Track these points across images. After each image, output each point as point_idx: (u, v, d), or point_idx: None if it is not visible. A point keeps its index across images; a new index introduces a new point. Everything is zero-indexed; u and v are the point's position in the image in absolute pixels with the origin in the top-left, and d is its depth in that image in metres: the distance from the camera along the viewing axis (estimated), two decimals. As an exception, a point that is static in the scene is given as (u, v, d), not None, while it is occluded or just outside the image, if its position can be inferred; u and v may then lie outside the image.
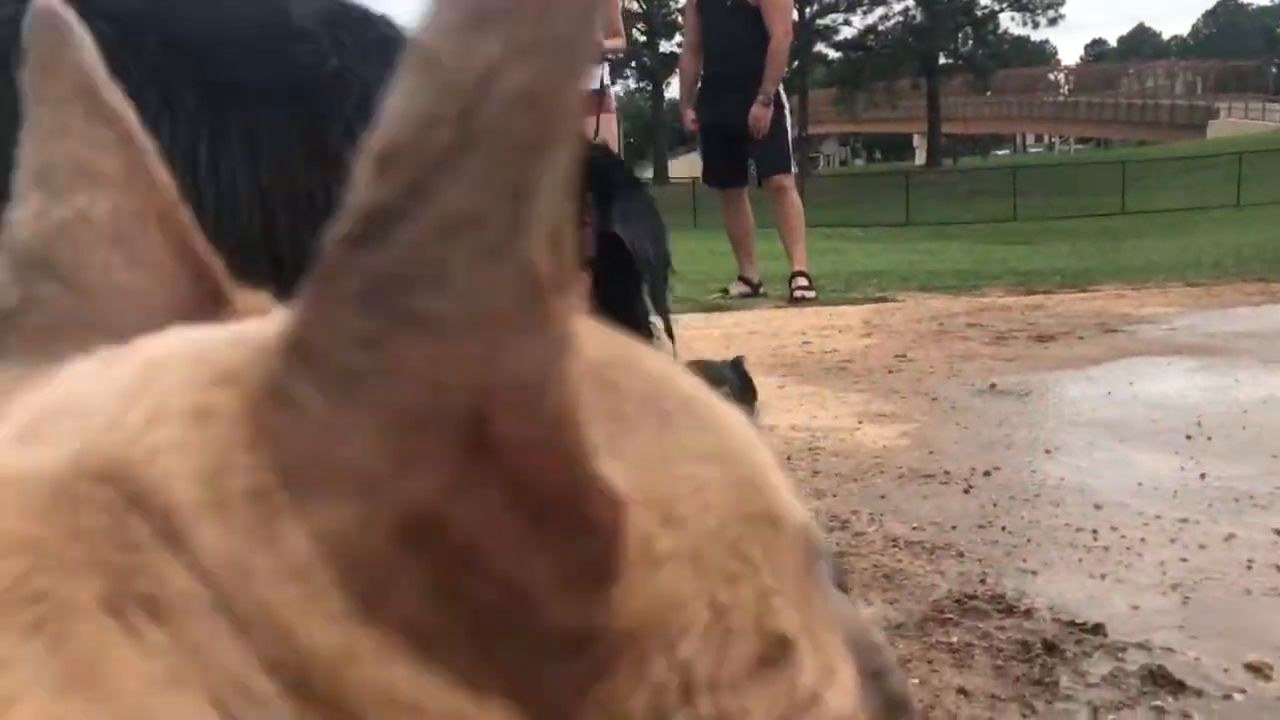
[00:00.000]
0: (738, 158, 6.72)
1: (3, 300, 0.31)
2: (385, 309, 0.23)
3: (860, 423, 3.26)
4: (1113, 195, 36.81)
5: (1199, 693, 1.57)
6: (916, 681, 1.61)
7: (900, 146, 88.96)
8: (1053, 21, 61.48)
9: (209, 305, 0.32)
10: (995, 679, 1.63)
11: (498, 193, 0.23)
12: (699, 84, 6.98)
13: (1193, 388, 3.49)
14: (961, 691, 1.58)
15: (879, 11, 54.83)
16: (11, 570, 0.22)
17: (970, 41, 57.13)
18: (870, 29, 55.64)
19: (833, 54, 56.90)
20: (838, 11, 54.82)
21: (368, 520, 0.24)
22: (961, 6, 55.00)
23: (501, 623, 0.25)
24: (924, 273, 9.00)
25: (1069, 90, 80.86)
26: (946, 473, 2.70)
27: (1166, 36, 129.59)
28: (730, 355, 3.22)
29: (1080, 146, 78.50)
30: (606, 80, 6.79)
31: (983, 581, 2.00)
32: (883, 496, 2.54)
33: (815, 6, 53.15)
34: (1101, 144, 73.75)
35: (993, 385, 3.74)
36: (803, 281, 6.75)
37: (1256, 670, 1.64)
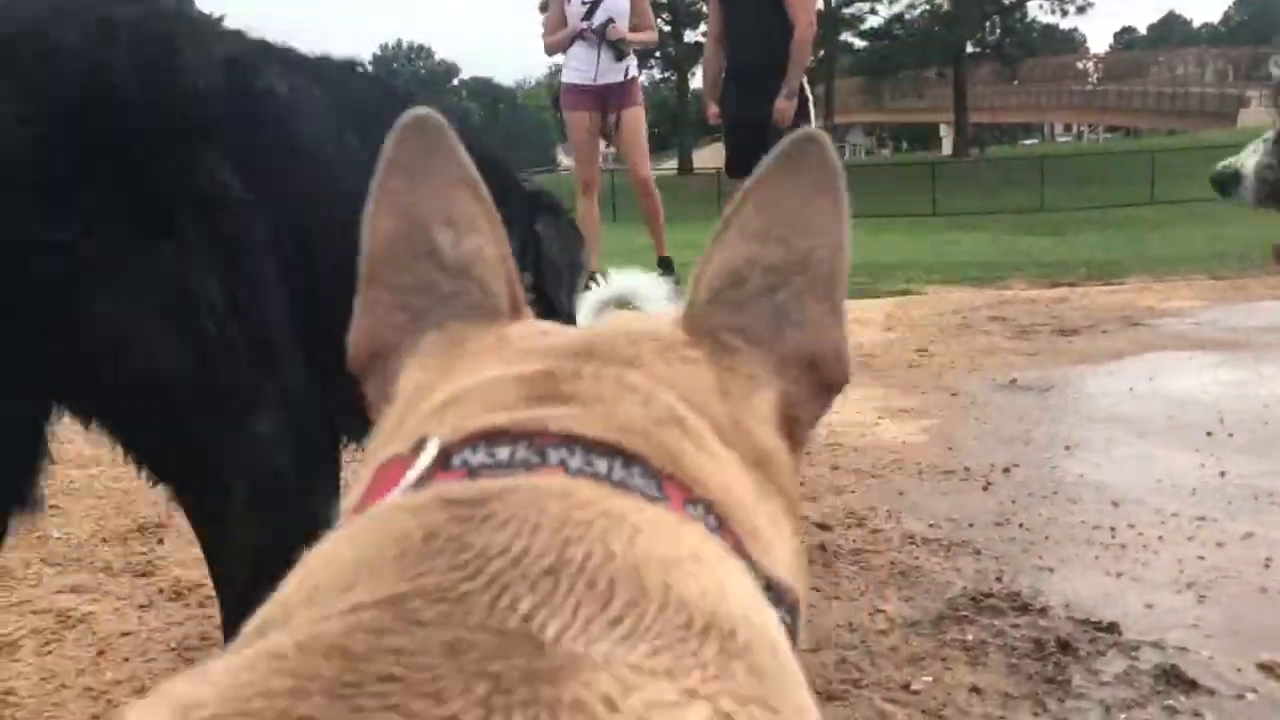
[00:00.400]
0: (761, 150, 6.67)
1: (448, 287, 0.52)
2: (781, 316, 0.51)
3: (880, 418, 3.27)
4: (1141, 185, 36.52)
5: (1211, 692, 1.58)
6: (930, 679, 1.63)
7: (926, 136, 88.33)
8: (1081, 9, 60.91)
9: (518, 311, 0.53)
10: (1008, 677, 1.64)
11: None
12: (723, 75, 6.96)
13: (1215, 383, 3.48)
14: (974, 689, 1.60)
15: (906, 0, 54.52)
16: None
17: (998, 30, 56.65)
18: (897, 17, 55.29)
19: (859, 43, 56.57)
20: (864, 0, 54.53)
21: (775, 397, 0.49)
22: (989, -5, 54.58)
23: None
24: (948, 264, 8.96)
25: (1098, 79, 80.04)
26: (966, 469, 2.71)
27: (1197, 24, 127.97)
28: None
29: (1109, 135, 77.72)
30: (635, 73, 6.80)
31: (999, 579, 2.01)
32: (901, 493, 2.55)
33: (841, -5, 52.89)
34: (1131, 133, 73.00)
35: (1014, 380, 3.74)
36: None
37: (1269, 670, 1.64)
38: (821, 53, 60.54)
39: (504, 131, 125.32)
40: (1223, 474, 2.53)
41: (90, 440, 1.30)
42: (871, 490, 2.57)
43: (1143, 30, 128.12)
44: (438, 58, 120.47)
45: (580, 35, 6.53)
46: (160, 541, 2.30)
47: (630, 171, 6.61)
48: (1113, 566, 2.10)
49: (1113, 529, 2.27)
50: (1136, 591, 2.00)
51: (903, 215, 31.16)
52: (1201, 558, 2.10)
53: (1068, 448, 2.89)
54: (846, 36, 55.30)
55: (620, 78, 6.71)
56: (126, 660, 1.79)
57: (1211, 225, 16.83)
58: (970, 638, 1.77)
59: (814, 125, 6.78)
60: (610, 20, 6.54)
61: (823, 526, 2.29)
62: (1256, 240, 9.79)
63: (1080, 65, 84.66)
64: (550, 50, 7.01)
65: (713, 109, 7.03)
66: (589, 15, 6.57)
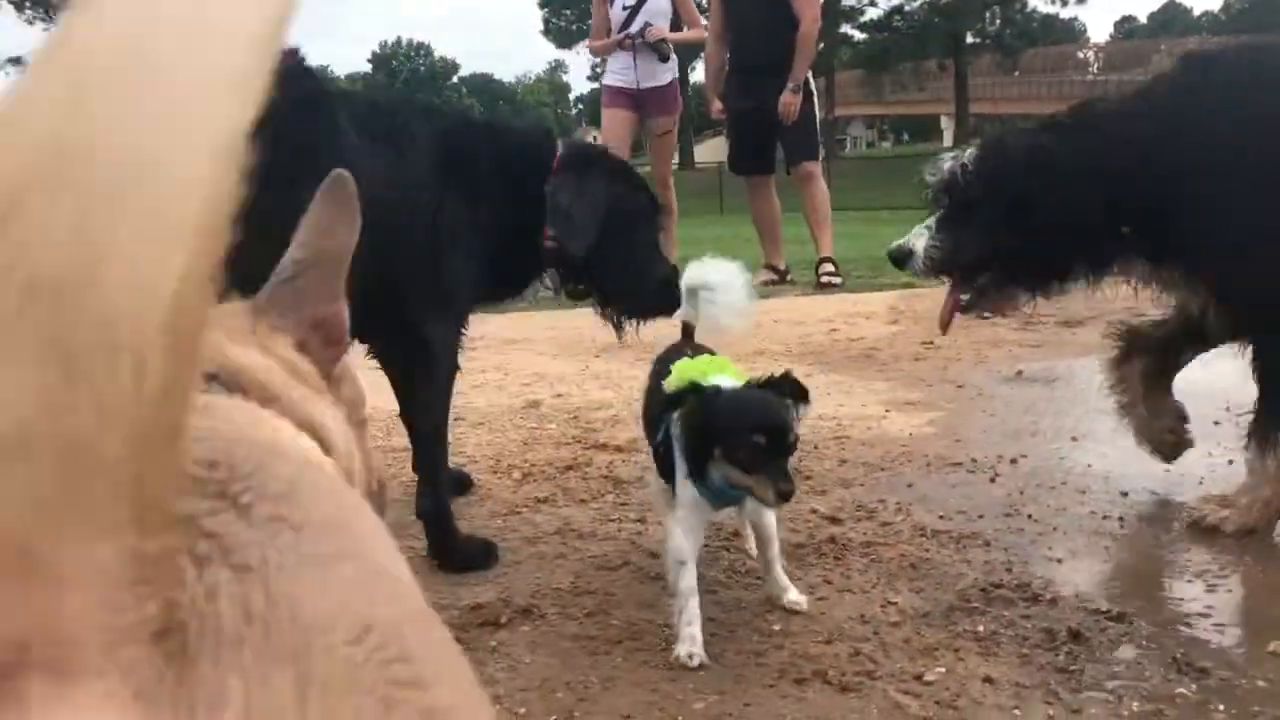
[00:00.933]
0: (766, 145, 6.69)
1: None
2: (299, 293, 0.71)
3: (887, 411, 3.28)
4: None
5: (1224, 680, 1.59)
6: (943, 670, 1.64)
7: (928, 129, 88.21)
8: (1072, 18, 60.85)
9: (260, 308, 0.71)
10: (1020, 667, 1.65)
11: None
12: (725, 71, 6.96)
13: (1222, 372, 3.48)
14: (987, 680, 1.61)
15: (905, -8, 54.44)
16: None
17: (998, 21, 56.54)
18: (896, 9, 55.20)
19: (859, 35, 56.48)
20: (864, -8, 54.45)
21: (291, 339, 0.69)
22: (989, -14, 54.49)
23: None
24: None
25: (1099, 68, 79.78)
26: (974, 460, 2.72)
27: (1197, 12, 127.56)
28: (760, 347, 3.23)
29: (1111, 126, 77.67)
30: (675, 76, 6.80)
31: (1009, 570, 2.02)
32: (910, 485, 2.56)
33: (840, -12, 52.77)
34: (1132, 123, 72.83)
35: (1019, 372, 3.75)
36: (829, 268, 6.75)
37: (1280, 658, 1.65)
38: (821, 45, 60.49)
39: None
40: (1231, 463, 2.54)
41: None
42: (880, 483, 2.58)
43: (1143, 19, 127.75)
44: (437, 55, 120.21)
45: (620, 44, 6.59)
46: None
47: (654, 178, 6.49)
48: (1122, 557, 2.11)
49: (1121, 519, 2.28)
50: (1147, 581, 2.01)
51: (904, 208, 31.19)
52: (1211, 546, 2.11)
53: (1074, 439, 2.90)
54: (846, 29, 55.17)
55: (661, 81, 6.74)
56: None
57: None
58: (981, 629, 1.77)
59: (818, 118, 6.80)
60: (647, 24, 6.56)
61: (833, 520, 2.30)
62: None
63: (1081, 55, 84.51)
64: (596, 54, 7.08)
65: (716, 104, 7.04)
66: (629, 20, 6.60)
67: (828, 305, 5.80)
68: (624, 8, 6.63)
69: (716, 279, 2.10)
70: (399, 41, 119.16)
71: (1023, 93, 74.45)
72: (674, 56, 6.80)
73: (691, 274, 2.11)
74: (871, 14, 55.40)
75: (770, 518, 1.84)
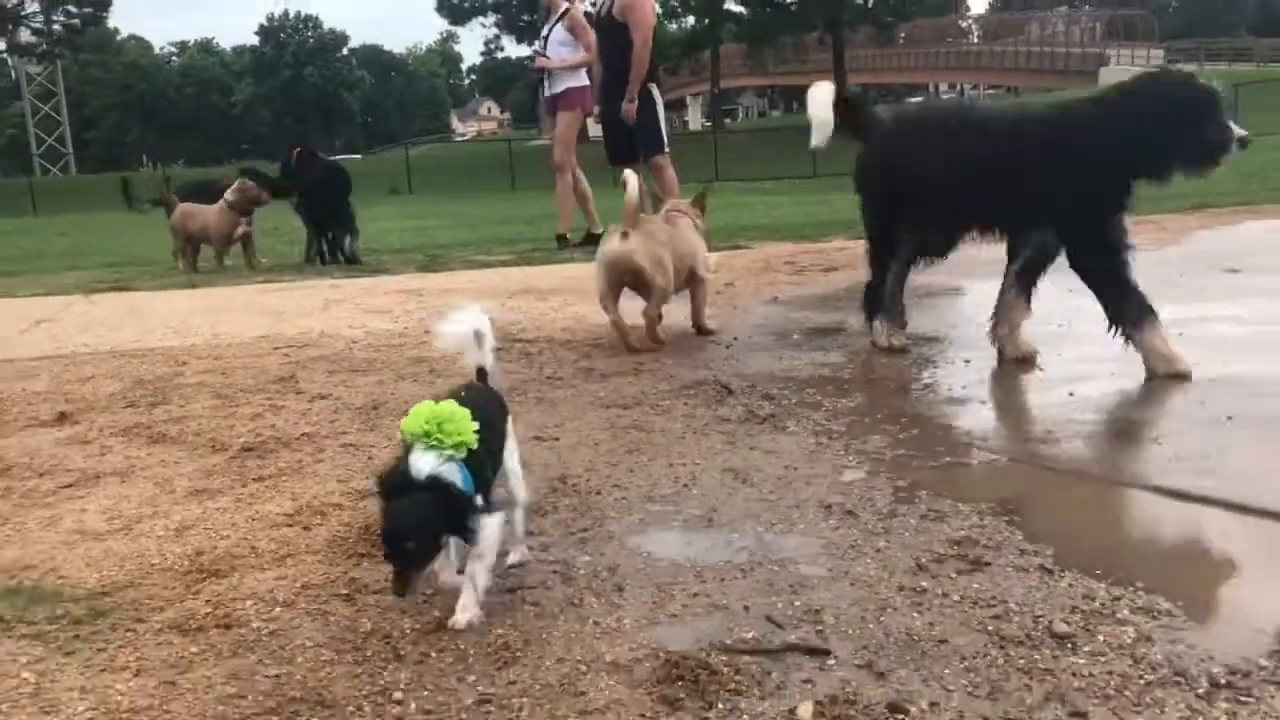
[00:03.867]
0: (626, 141, 8.69)
1: None
2: None
3: (685, 322, 5.27)
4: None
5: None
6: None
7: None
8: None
9: None
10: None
11: None
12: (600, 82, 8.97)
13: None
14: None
15: (786, -31, 56.62)
16: None
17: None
18: (777, -14, 57.36)
19: (741, 10, 58.46)
20: (747, -32, 56.52)
21: None
22: (865, -38, 56.96)
23: None
24: (806, 225, 10.97)
25: (978, 38, 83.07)
26: (732, 341, 4.70)
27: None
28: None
29: (991, 92, 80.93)
30: (567, 87, 9.02)
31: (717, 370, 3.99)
32: (684, 357, 4.53)
33: (725, -38, 54.82)
34: (1012, 90, 76.53)
35: (775, 298, 5.79)
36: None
37: None
38: (706, 21, 62.66)
39: (398, 99, 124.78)
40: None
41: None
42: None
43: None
44: (326, 27, 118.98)
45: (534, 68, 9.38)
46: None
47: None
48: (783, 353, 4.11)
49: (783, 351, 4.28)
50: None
51: (787, 178, 33.36)
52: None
53: (789, 332, 4.93)
54: (730, 4, 57.17)
55: (554, 91, 9.05)
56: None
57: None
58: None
59: (661, 117, 8.75)
60: (535, 53, 9.30)
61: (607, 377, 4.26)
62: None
63: (963, 24, 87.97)
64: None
65: (595, 111, 9.03)
66: (543, 48, 9.25)
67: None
68: (541, 39, 9.18)
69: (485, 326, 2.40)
70: (286, 14, 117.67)
71: (902, 63, 77.69)
72: (565, 74, 9.07)
73: (471, 322, 2.37)
74: (753, -9, 57.40)
75: (474, 563, 2.05)
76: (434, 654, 1.91)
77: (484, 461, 2.14)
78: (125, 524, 2.65)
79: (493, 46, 77.09)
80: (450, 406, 2.11)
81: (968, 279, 5.53)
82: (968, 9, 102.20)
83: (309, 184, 9.10)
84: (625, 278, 4.62)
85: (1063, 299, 4.14)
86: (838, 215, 12.71)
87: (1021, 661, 1.77)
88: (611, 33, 8.48)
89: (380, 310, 6.07)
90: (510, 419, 2.38)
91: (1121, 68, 59.95)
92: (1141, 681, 1.69)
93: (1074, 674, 1.72)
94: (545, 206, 17.00)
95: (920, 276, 4.53)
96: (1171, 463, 2.81)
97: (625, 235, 4.54)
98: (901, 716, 1.62)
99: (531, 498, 2.43)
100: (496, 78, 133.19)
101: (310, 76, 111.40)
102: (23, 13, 58.63)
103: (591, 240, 9.16)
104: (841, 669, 1.78)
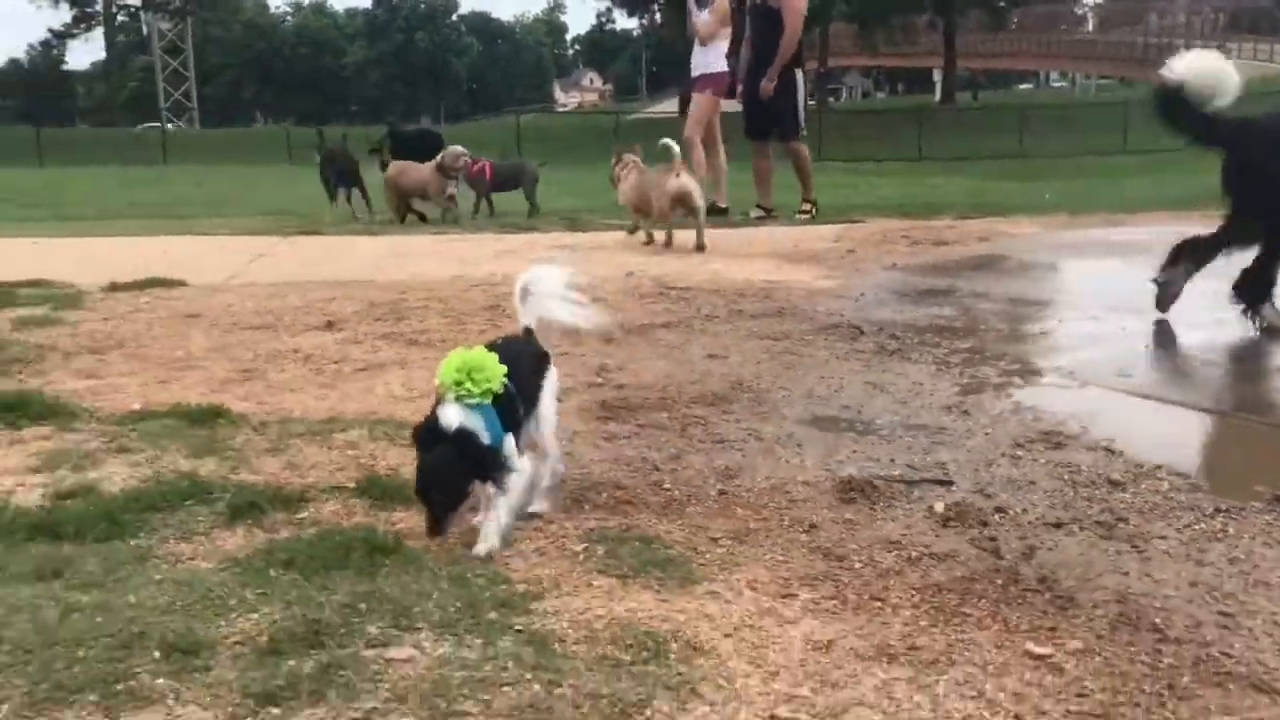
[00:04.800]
0: (763, 119, 9.63)
1: None
2: None
3: (815, 280, 6.13)
4: (1117, 133, 39.10)
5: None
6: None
7: (924, 78, 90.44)
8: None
9: None
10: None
11: None
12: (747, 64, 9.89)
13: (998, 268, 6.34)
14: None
15: (898, -50, 56.53)
16: None
17: (987, -19, 58.61)
18: (890, -34, 57.29)
19: (853, -9, 58.48)
20: (860, -51, 56.55)
21: None
22: (980, -54, 56.60)
23: None
24: (914, 205, 11.70)
25: (1094, 26, 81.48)
26: (856, 295, 5.55)
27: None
28: (751, 253, 6.14)
29: (1103, 82, 79.43)
30: (705, 72, 9.81)
31: (854, 314, 4.85)
32: (821, 297, 5.39)
33: (838, -56, 54.94)
34: (1125, 81, 75.14)
35: (894, 265, 6.61)
36: (806, 208, 9.67)
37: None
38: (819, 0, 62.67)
39: (503, 68, 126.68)
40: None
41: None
42: (801, 296, 5.41)
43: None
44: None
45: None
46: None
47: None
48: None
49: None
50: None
51: (891, 159, 33.78)
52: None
53: (908, 293, 5.75)
54: (842, -16, 57.17)
55: (694, 73, 9.88)
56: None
57: (1169, 172, 19.48)
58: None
59: (801, 104, 9.58)
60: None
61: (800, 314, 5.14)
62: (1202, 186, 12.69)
63: (1078, 11, 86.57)
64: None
65: (740, 86, 9.94)
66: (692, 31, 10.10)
67: (798, 231, 8.65)
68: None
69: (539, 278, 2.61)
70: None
71: (1013, 49, 76.75)
72: (708, 57, 9.93)
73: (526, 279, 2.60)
74: (866, -31, 57.40)
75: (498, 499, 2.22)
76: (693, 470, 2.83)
77: (515, 403, 2.32)
78: (422, 393, 3.61)
79: (604, 20, 77.72)
80: (480, 354, 2.28)
81: (1064, 259, 6.31)
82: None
83: None
84: (683, 199, 7.30)
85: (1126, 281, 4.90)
86: (943, 198, 13.41)
87: (1085, 493, 2.62)
88: (765, 17, 9.41)
89: (546, 260, 7.02)
90: (552, 375, 2.58)
91: (1241, 62, 58.82)
92: (1166, 506, 2.53)
93: (1120, 501, 2.57)
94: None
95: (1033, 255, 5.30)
96: (1214, 391, 3.61)
97: (679, 174, 7.28)
98: (1003, 513, 2.49)
99: (562, 467, 2.61)
100: (600, 49, 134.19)
101: (420, 41, 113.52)
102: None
103: (716, 212, 10.04)
104: (961, 492, 2.64)
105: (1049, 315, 5.07)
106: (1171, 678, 1.71)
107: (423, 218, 10.35)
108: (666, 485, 2.68)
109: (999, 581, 2.10)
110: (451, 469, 2.15)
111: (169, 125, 61.36)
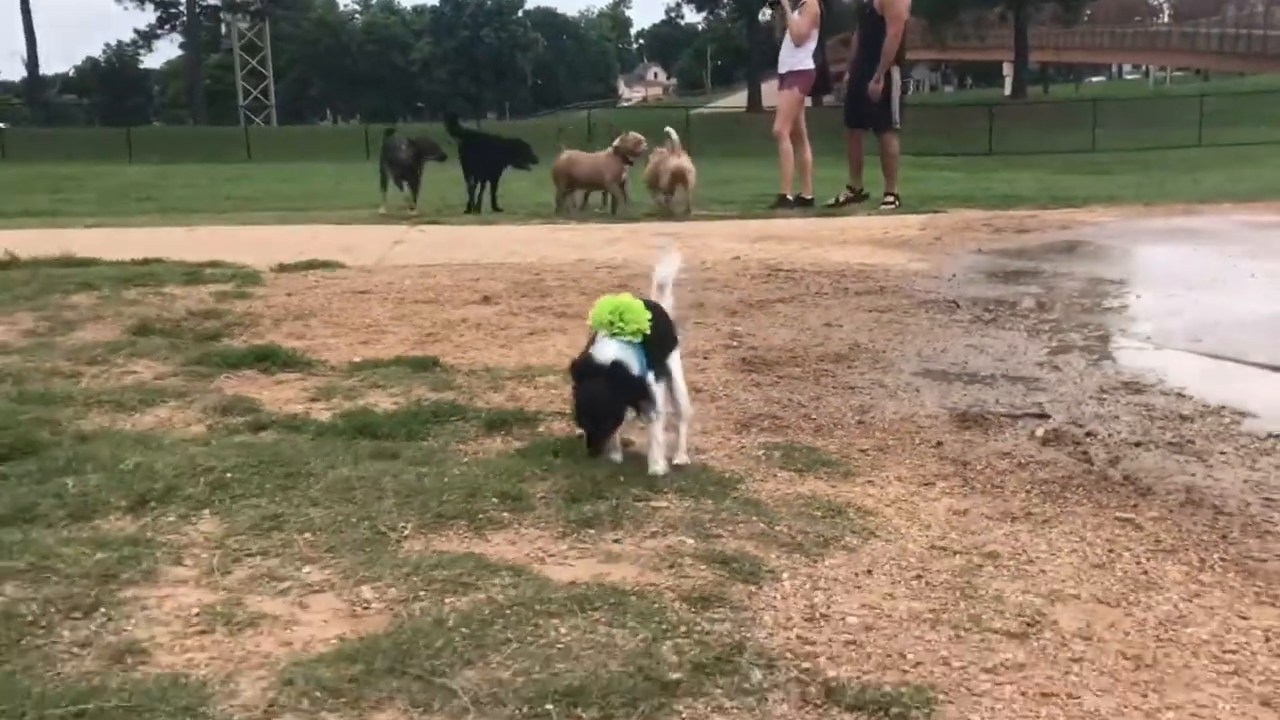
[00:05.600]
0: (862, 112, 10.34)
1: None
2: None
3: (909, 262, 6.71)
4: (1192, 128, 38.92)
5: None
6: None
7: (993, 72, 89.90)
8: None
9: None
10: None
11: None
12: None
13: (1080, 253, 6.87)
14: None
15: (970, -55, 56.47)
16: None
17: (1059, -26, 58.34)
18: (961, -38, 57.24)
19: (924, -14, 58.52)
20: (930, -55, 56.56)
21: None
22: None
23: None
24: (985, 197, 12.21)
25: (1170, 17, 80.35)
26: (949, 277, 6.13)
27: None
28: (843, 239, 6.71)
29: (1179, 73, 78.40)
30: (791, 69, 10.46)
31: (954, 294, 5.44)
32: (912, 282, 5.98)
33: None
34: (1201, 73, 74.16)
35: (979, 249, 7.17)
36: (890, 199, 10.32)
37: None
38: None
39: (568, 63, 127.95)
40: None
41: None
42: (899, 277, 6.00)
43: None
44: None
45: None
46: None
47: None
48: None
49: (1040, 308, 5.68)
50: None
51: (961, 154, 33.99)
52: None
53: (996, 274, 6.31)
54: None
55: (782, 70, 10.55)
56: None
57: (1244, 167, 19.68)
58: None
59: (896, 100, 10.19)
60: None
61: (882, 289, 5.73)
62: (1260, 180, 13.00)
63: (1153, 2, 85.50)
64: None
65: (846, 76, 10.70)
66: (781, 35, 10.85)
67: (885, 220, 9.22)
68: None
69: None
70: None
71: (1085, 42, 76.11)
72: (794, 56, 10.55)
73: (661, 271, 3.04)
74: (937, -34, 57.35)
75: (652, 426, 2.55)
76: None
77: (655, 346, 2.59)
78: (588, 351, 4.28)
79: (673, 15, 78.39)
80: (628, 299, 2.56)
81: (1140, 245, 6.82)
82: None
83: None
84: (679, 176, 9.42)
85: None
86: (1015, 190, 13.87)
87: (1160, 424, 3.21)
88: (870, 22, 10.13)
89: (654, 246, 7.68)
90: (678, 343, 2.87)
91: (1321, 53, 57.78)
92: (1227, 433, 3.11)
93: (1189, 429, 3.15)
94: (726, 171, 18.62)
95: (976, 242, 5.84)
96: (1273, 352, 4.16)
97: (678, 155, 9.55)
98: (1092, 436, 3.09)
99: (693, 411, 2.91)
100: (665, 43, 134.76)
101: (487, 38, 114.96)
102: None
103: (802, 203, 10.67)
104: (1057, 423, 3.24)
105: (1128, 292, 5.62)
106: (1224, 532, 2.32)
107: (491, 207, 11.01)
108: (813, 417, 3.32)
109: (1091, 479, 2.71)
110: (610, 396, 2.46)
111: (249, 123, 63.05)
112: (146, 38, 67.03)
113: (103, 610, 1.79)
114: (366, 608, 1.83)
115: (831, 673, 1.66)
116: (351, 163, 32.13)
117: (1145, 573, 2.11)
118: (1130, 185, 15.06)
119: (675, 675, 1.60)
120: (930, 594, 1.98)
